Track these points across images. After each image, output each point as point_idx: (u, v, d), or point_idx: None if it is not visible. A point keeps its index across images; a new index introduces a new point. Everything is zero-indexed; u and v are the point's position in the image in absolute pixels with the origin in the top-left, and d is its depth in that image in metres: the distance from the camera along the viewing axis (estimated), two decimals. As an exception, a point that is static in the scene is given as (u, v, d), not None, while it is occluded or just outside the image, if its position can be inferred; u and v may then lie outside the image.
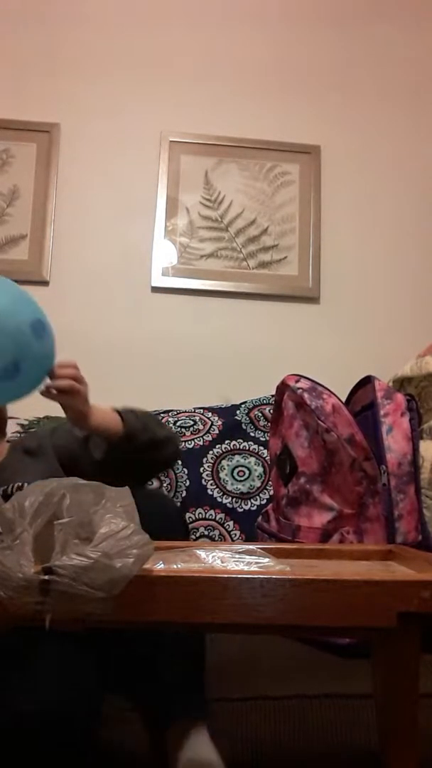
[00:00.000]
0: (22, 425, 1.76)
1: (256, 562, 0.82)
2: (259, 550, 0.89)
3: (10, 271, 2.00)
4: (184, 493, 1.67)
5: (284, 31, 2.29)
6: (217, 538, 1.63)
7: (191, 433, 1.76)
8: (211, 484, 1.69)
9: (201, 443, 1.74)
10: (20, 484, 1.19)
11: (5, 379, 1.06)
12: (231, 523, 1.66)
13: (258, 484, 1.71)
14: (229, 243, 2.17)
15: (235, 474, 1.71)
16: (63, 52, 2.21)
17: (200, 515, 1.65)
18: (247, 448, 1.76)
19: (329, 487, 1.29)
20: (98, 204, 2.17)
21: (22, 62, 2.19)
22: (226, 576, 0.73)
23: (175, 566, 0.81)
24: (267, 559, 0.83)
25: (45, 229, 2.11)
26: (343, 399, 1.37)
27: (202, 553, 0.86)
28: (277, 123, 2.24)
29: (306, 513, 1.31)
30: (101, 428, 1.21)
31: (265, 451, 1.72)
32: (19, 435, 1.69)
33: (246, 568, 0.80)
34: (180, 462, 1.70)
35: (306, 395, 1.32)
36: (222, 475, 1.71)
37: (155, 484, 1.65)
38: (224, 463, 1.73)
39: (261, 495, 1.70)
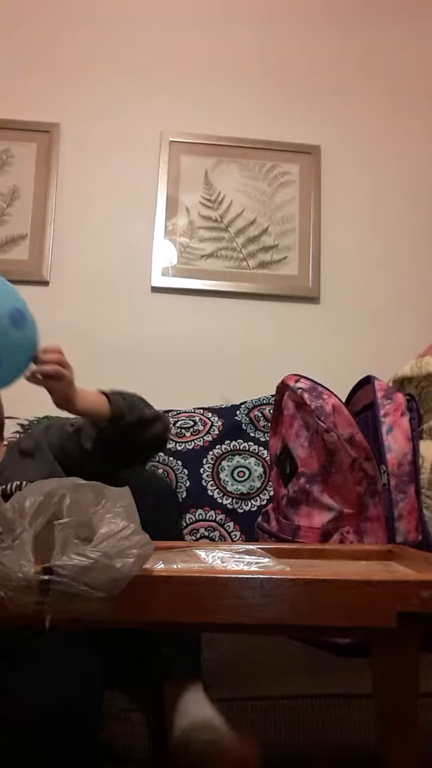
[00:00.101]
0: (22, 425, 1.76)
1: (256, 562, 0.82)
2: (259, 550, 0.89)
3: (10, 271, 2.00)
4: (184, 494, 1.67)
5: (284, 32, 2.29)
6: (217, 540, 1.63)
7: (191, 434, 1.76)
8: (212, 485, 1.69)
9: (201, 444, 1.74)
10: (19, 482, 1.19)
11: None
12: (231, 524, 1.66)
13: (258, 484, 1.71)
14: (229, 243, 2.17)
15: (235, 474, 1.71)
16: (63, 52, 2.21)
17: (200, 516, 1.65)
18: (248, 448, 1.76)
19: (329, 487, 1.29)
20: (98, 204, 2.17)
21: (22, 62, 2.19)
22: (226, 576, 0.73)
23: (175, 566, 0.81)
24: (267, 559, 0.83)
25: (45, 229, 2.11)
26: (343, 399, 1.37)
27: (202, 553, 0.86)
28: (277, 123, 2.24)
29: (306, 513, 1.31)
30: (88, 410, 1.22)
31: (266, 452, 1.72)
32: (18, 435, 1.69)
33: (246, 568, 0.80)
34: (180, 462, 1.70)
35: (306, 395, 1.32)
36: (222, 475, 1.71)
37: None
38: (224, 463, 1.72)
39: (261, 495, 1.70)
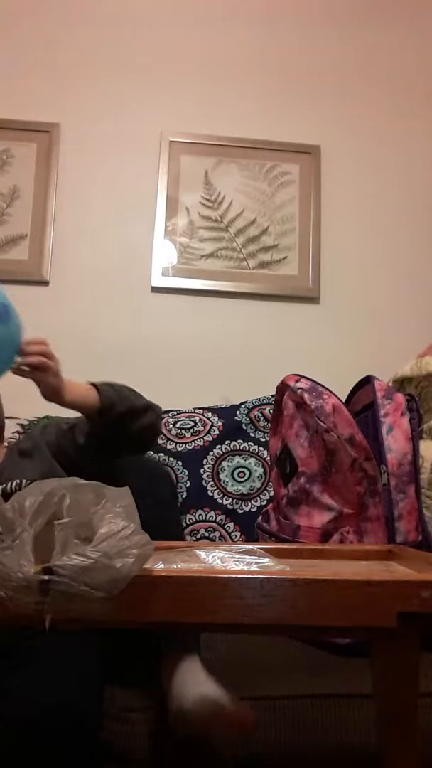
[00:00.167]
0: (21, 425, 1.76)
1: (256, 562, 0.82)
2: (259, 550, 0.89)
3: (10, 271, 2.01)
4: (184, 494, 1.67)
5: (284, 32, 2.29)
6: (217, 540, 1.63)
7: (191, 434, 1.76)
8: (212, 486, 1.69)
9: (201, 444, 1.74)
10: (19, 481, 1.20)
11: None
12: (231, 524, 1.65)
13: (258, 485, 1.71)
14: (229, 243, 2.17)
15: (235, 475, 1.71)
16: (63, 52, 2.21)
17: (200, 517, 1.65)
18: (248, 448, 1.75)
19: (329, 487, 1.29)
20: (98, 204, 2.17)
21: (22, 62, 2.19)
22: (226, 576, 0.73)
23: (175, 566, 0.81)
24: (267, 559, 0.83)
25: (45, 229, 2.11)
26: (343, 399, 1.37)
27: (202, 553, 0.86)
28: (277, 123, 2.24)
29: (306, 513, 1.31)
30: (77, 401, 1.22)
31: (266, 452, 1.72)
32: (18, 436, 1.69)
33: (246, 568, 0.80)
34: (181, 463, 1.70)
35: (306, 395, 1.32)
36: (222, 476, 1.71)
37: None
38: (224, 464, 1.72)
39: (261, 496, 1.69)
